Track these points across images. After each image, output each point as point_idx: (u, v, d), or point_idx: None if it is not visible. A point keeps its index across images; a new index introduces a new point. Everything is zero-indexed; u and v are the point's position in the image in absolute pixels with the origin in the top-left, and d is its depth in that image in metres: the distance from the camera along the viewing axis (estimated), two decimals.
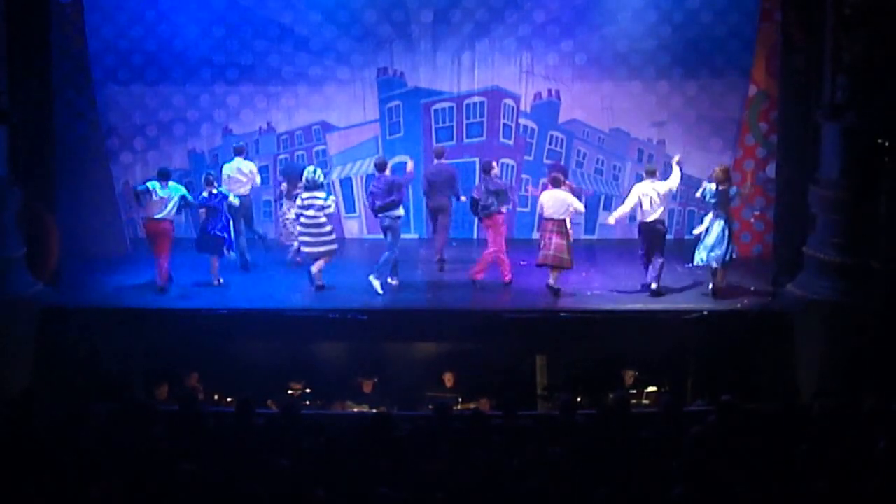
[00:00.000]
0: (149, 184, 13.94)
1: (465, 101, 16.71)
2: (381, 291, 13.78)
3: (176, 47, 16.37)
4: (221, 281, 14.25)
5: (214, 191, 14.11)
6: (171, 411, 10.12)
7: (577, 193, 14.42)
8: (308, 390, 13.41)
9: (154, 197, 13.78)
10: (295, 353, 13.79)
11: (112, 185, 16.15)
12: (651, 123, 16.63)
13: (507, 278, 14.26)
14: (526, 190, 16.50)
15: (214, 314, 13.36)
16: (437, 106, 16.74)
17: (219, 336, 13.37)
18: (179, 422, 9.64)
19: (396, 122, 16.83)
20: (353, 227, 17.19)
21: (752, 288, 14.13)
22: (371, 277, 13.88)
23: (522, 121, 16.74)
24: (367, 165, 16.83)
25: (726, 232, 13.58)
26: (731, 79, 16.24)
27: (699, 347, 13.32)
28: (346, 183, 16.94)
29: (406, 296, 14.04)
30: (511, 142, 16.78)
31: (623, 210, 14.01)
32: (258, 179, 15.47)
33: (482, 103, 16.70)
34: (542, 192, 14.42)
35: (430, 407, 12.55)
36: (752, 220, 15.96)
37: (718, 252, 13.56)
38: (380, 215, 14.08)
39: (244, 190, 15.06)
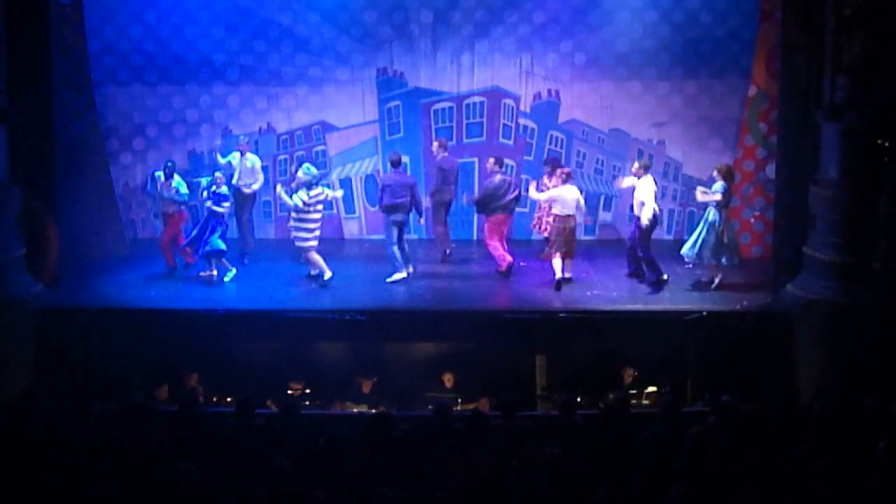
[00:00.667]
0: (157, 173, 14.81)
1: (465, 102, 16.70)
2: (410, 271, 14.44)
3: (176, 48, 16.36)
4: (215, 273, 14.34)
5: (216, 189, 14.27)
6: (171, 411, 10.12)
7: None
8: (308, 390, 13.41)
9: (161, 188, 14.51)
10: (294, 354, 13.79)
11: (112, 185, 16.15)
12: (651, 124, 16.63)
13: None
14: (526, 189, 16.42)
15: (214, 314, 13.36)
16: (437, 106, 16.74)
17: (219, 336, 13.37)
18: (179, 422, 9.65)
19: (396, 122, 16.83)
20: (353, 228, 17.18)
21: (752, 288, 14.13)
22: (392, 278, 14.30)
23: (522, 121, 16.74)
24: (367, 166, 16.85)
25: (713, 226, 13.70)
26: (730, 79, 16.23)
27: (699, 348, 13.31)
28: (346, 183, 16.93)
29: (406, 296, 14.05)
30: (511, 142, 16.78)
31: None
32: (261, 178, 15.61)
33: (482, 103, 16.69)
34: (549, 188, 14.67)
35: (430, 407, 12.56)
36: (752, 220, 15.95)
37: (690, 246, 13.94)
38: (395, 212, 14.21)
39: (256, 185, 15.42)
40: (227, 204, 14.36)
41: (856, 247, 13.06)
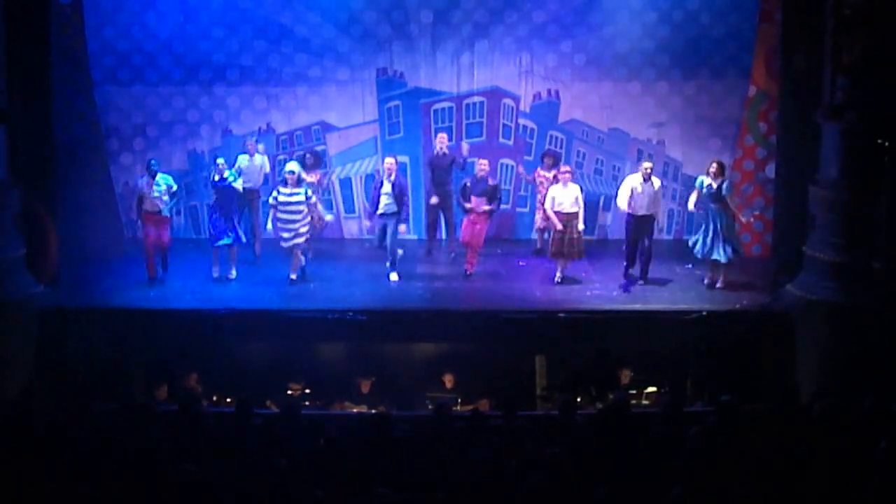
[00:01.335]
0: (140, 180, 14.43)
1: (465, 102, 16.70)
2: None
3: (176, 48, 16.36)
4: (223, 275, 14.33)
5: (217, 177, 14.29)
6: (171, 411, 10.12)
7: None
8: (307, 390, 13.41)
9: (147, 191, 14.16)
10: (294, 354, 13.79)
11: (112, 185, 16.16)
12: (650, 124, 16.63)
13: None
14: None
15: (214, 314, 13.36)
16: (437, 106, 16.74)
17: (219, 336, 13.37)
18: (179, 422, 9.64)
19: (396, 122, 16.83)
20: (353, 228, 17.18)
21: (752, 288, 14.13)
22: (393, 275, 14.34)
23: (522, 121, 16.74)
24: (367, 166, 16.84)
25: (713, 226, 13.69)
26: (730, 79, 16.23)
27: (699, 347, 13.30)
28: (346, 183, 16.94)
29: (406, 296, 14.05)
30: (510, 142, 16.78)
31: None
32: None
33: (482, 103, 16.70)
34: (550, 185, 14.73)
35: (430, 406, 12.57)
36: (752, 220, 15.91)
37: (699, 246, 13.90)
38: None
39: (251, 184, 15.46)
40: (237, 183, 14.36)
41: (856, 247, 13.06)
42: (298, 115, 16.80)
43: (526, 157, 16.68)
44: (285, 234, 14.11)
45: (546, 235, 16.03)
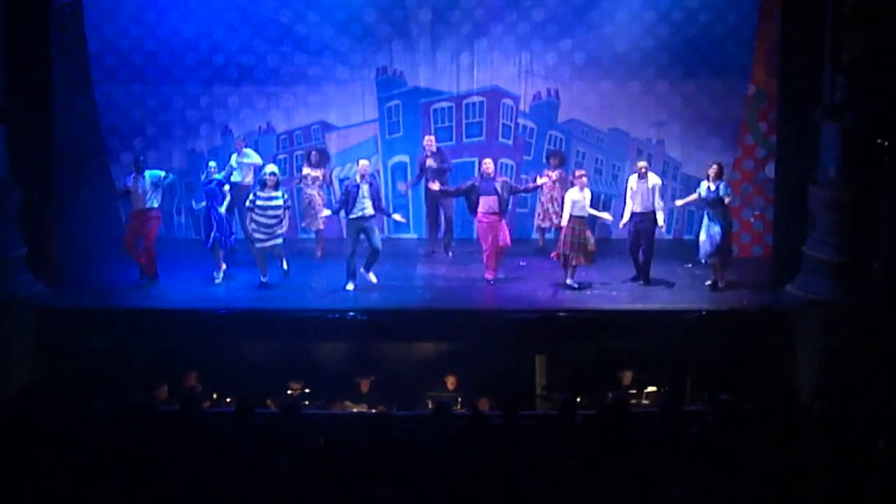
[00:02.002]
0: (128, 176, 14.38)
1: (465, 101, 16.71)
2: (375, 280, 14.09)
3: (175, 47, 16.37)
4: (218, 277, 14.32)
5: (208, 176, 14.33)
6: (171, 411, 10.12)
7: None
8: (307, 390, 13.41)
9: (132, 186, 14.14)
10: (294, 353, 13.79)
11: (112, 185, 16.15)
12: (650, 123, 16.63)
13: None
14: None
15: (214, 314, 13.36)
16: (437, 106, 16.74)
17: (218, 336, 13.37)
18: (179, 422, 9.64)
19: (396, 121, 16.84)
20: None
21: (752, 288, 14.13)
22: (371, 275, 14.10)
23: (521, 121, 16.74)
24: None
25: (713, 228, 13.71)
26: (730, 78, 16.22)
27: (699, 347, 13.31)
28: (344, 181, 16.90)
29: (406, 296, 14.04)
30: (510, 142, 16.79)
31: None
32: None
33: (481, 103, 16.70)
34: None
35: (430, 405, 12.57)
36: (752, 220, 15.96)
37: (706, 248, 13.85)
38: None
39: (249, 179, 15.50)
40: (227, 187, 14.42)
41: (855, 247, 13.06)
42: (298, 114, 16.81)
43: (525, 157, 16.68)
44: (259, 236, 14.04)
45: (547, 234, 16.08)
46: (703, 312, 13.31)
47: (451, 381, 13.54)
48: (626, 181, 14.56)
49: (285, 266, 14.32)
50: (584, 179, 14.18)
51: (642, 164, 14.44)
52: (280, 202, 13.98)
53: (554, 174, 15.41)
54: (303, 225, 15.93)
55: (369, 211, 13.95)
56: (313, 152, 15.69)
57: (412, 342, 14.11)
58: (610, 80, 16.49)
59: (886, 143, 12.85)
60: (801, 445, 8.71)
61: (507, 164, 16.70)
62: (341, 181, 16.68)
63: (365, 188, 13.95)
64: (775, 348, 13.10)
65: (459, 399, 13.22)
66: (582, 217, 14.04)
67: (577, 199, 14.01)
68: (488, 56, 16.54)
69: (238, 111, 16.73)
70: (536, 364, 13.77)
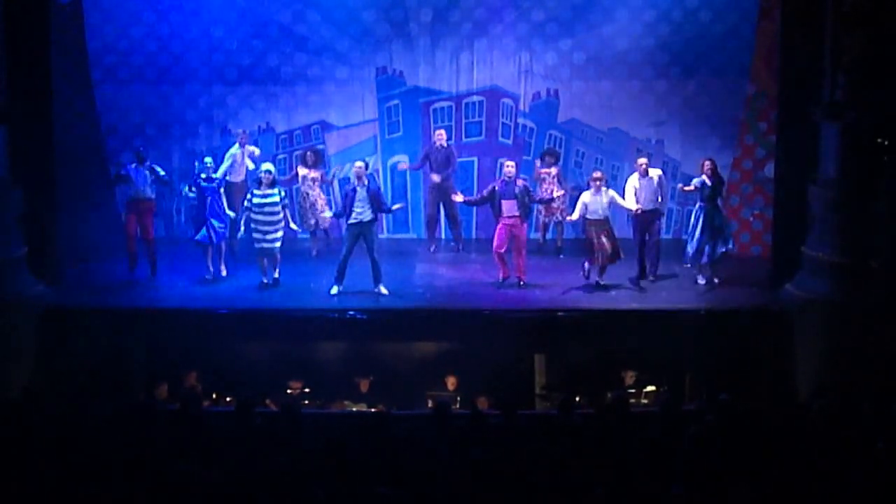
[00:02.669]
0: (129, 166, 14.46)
1: (464, 101, 16.71)
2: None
3: (175, 47, 16.38)
4: (213, 275, 14.33)
5: (204, 176, 14.28)
6: (171, 411, 10.13)
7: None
8: (307, 390, 13.42)
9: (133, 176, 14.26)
10: (294, 353, 13.79)
11: (112, 184, 16.15)
12: (650, 123, 16.64)
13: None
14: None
15: (214, 314, 13.37)
16: (436, 105, 16.75)
17: (219, 336, 13.38)
18: (179, 422, 9.65)
19: (395, 121, 16.85)
20: None
21: (751, 288, 14.14)
22: (382, 287, 13.84)
23: (521, 120, 16.75)
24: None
25: (701, 225, 13.80)
26: (729, 78, 16.23)
27: (698, 347, 13.31)
28: (345, 183, 16.90)
29: (406, 296, 14.04)
30: (510, 141, 16.79)
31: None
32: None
33: (481, 103, 16.70)
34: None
35: (430, 404, 12.58)
36: (751, 219, 15.95)
37: (688, 252, 14.03)
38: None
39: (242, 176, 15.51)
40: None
41: (855, 247, 13.06)
42: (298, 114, 16.82)
43: (525, 157, 16.69)
44: (258, 236, 14.04)
45: (547, 234, 16.09)
46: (703, 312, 13.32)
47: (451, 382, 13.55)
48: (626, 180, 14.54)
49: (276, 274, 14.18)
50: (599, 182, 13.97)
51: (643, 160, 14.44)
52: (277, 199, 13.98)
53: (551, 171, 15.45)
54: (303, 226, 15.89)
55: (367, 216, 13.62)
56: (308, 153, 15.72)
57: (412, 342, 14.13)
58: (609, 79, 16.50)
59: (886, 143, 12.86)
60: (801, 445, 8.71)
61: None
62: (341, 182, 16.72)
63: (361, 192, 13.61)
64: (775, 348, 13.09)
65: (458, 399, 13.22)
66: (597, 220, 13.89)
67: (589, 201, 13.93)
68: (488, 56, 16.55)
69: (237, 111, 16.73)
70: (536, 363, 13.79)
